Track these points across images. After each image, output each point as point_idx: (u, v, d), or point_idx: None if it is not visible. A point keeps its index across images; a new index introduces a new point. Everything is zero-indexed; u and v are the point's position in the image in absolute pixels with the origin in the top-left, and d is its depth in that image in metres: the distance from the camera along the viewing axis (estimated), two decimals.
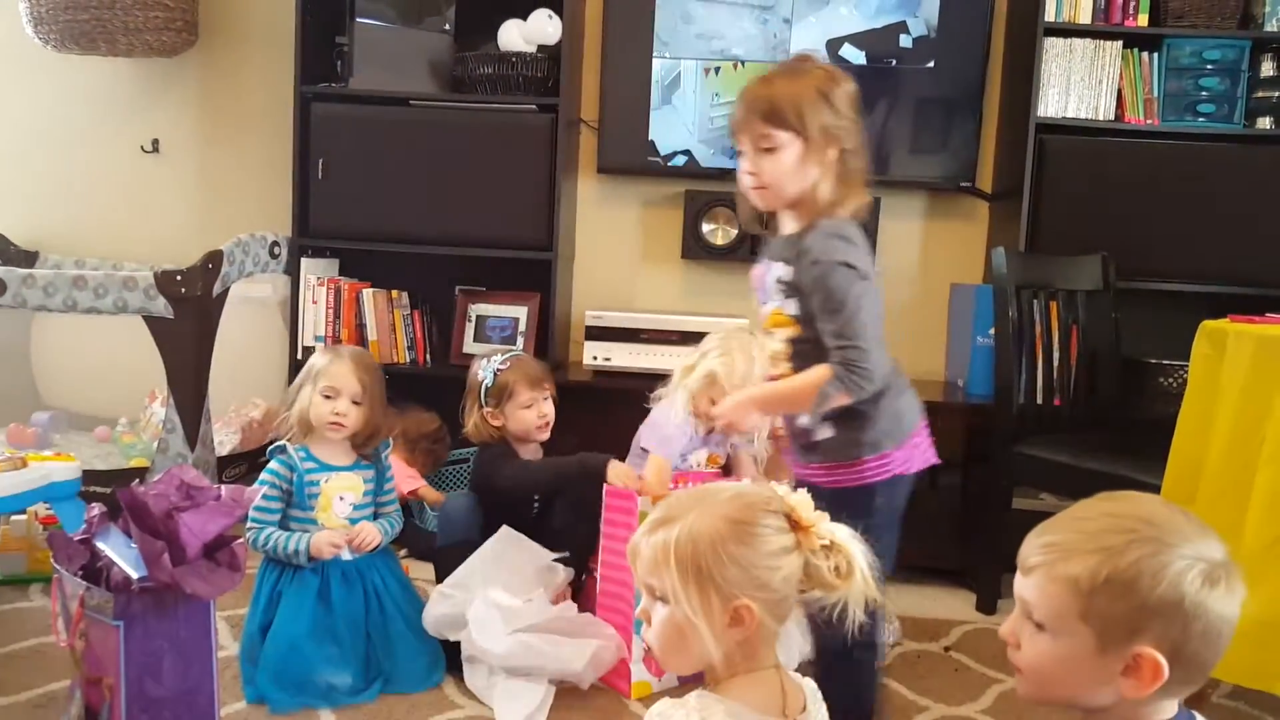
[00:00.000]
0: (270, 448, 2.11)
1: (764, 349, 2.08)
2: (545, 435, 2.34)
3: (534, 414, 2.30)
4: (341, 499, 2.08)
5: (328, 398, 2.07)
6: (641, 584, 1.10)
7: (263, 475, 2.07)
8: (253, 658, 1.96)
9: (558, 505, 2.33)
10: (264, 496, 2.05)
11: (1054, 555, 0.96)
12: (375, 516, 2.14)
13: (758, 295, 1.69)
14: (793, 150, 1.55)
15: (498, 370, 2.31)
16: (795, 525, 1.07)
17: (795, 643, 1.90)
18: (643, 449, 2.32)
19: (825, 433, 1.59)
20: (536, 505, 2.35)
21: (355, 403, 2.08)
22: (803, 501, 1.08)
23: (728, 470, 2.39)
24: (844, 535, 1.08)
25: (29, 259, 3.32)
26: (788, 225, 1.63)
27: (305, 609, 1.99)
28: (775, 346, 1.65)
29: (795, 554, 1.06)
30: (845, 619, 1.07)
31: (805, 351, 1.59)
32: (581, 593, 2.24)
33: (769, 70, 1.64)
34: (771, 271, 1.62)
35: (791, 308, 1.59)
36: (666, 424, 2.28)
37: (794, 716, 1.08)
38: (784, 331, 1.62)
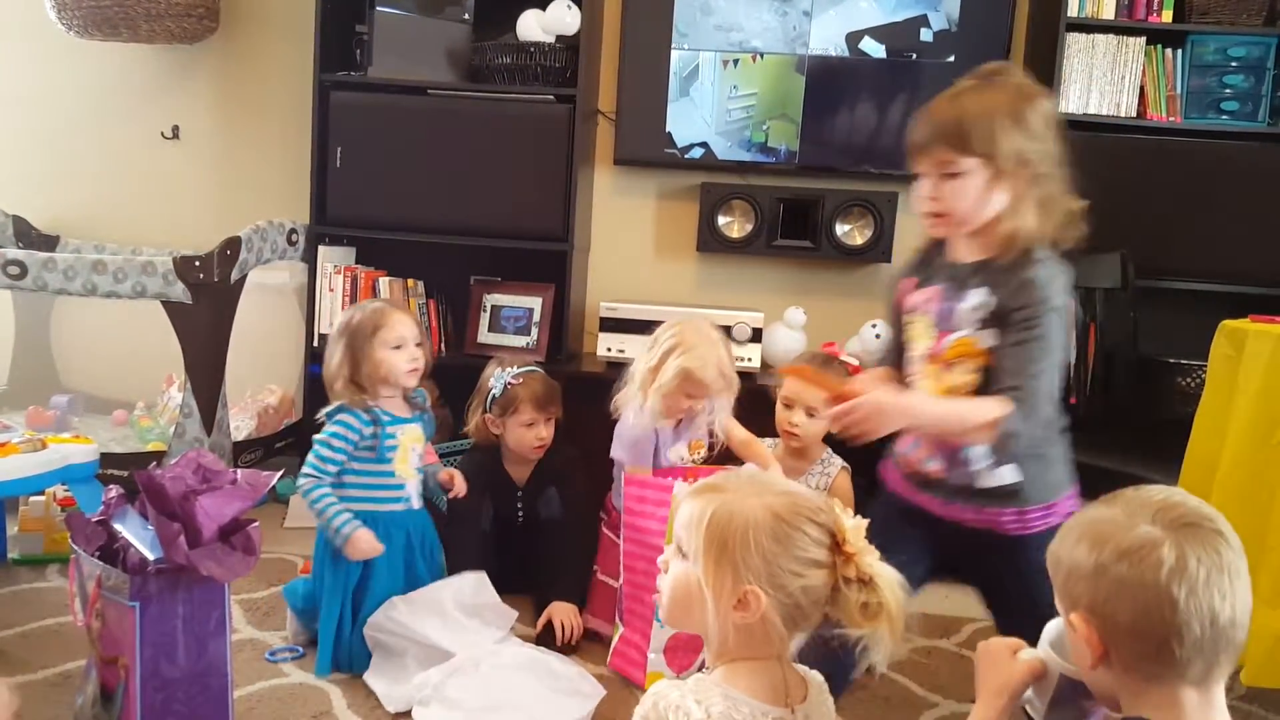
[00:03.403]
0: (336, 408, 2.07)
1: (725, 339, 2.11)
2: (538, 456, 2.37)
3: (532, 435, 2.32)
4: (414, 449, 2.12)
5: (397, 348, 2.08)
6: (674, 534, 1.12)
7: (333, 428, 2.04)
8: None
9: (541, 502, 2.38)
10: (332, 448, 2.03)
11: None
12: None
13: (922, 317, 1.57)
14: (979, 177, 1.44)
15: (509, 383, 2.34)
16: (837, 547, 1.06)
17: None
18: (613, 459, 2.26)
19: (1010, 477, 1.50)
20: (520, 513, 2.40)
21: (418, 345, 2.12)
22: (855, 528, 1.07)
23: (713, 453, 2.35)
24: (888, 579, 1.06)
25: (49, 243, 3.35)
26: (968, 250, 1.52)
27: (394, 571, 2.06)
28: (957, 379, 1.51)
29: (825, 572, 1.06)
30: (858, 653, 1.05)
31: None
32: (590, 596, 2.23)
33: (958, 84, 1.50)
34: (966, 297, 1.49)
35: (989, 339, 1.47)
36: (629, 431, 2.19)
37: (794, 706, 1.08)
38: (972, 363, 1.49)
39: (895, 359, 1.67)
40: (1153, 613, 0.92)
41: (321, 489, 2.02)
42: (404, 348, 2.09)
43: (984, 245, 1.51)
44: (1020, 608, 1.38)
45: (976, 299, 1.48)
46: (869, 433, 1.45)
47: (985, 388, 1.48)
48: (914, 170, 1.51)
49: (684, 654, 2.01)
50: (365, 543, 1.99)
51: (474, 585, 2.05)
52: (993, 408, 1.42)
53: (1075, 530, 1.01)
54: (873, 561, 1.07)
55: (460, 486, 2.19)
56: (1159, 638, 0.93)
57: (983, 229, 1.50)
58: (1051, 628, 1.11)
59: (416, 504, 2.14)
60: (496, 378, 2.37)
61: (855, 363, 2.36)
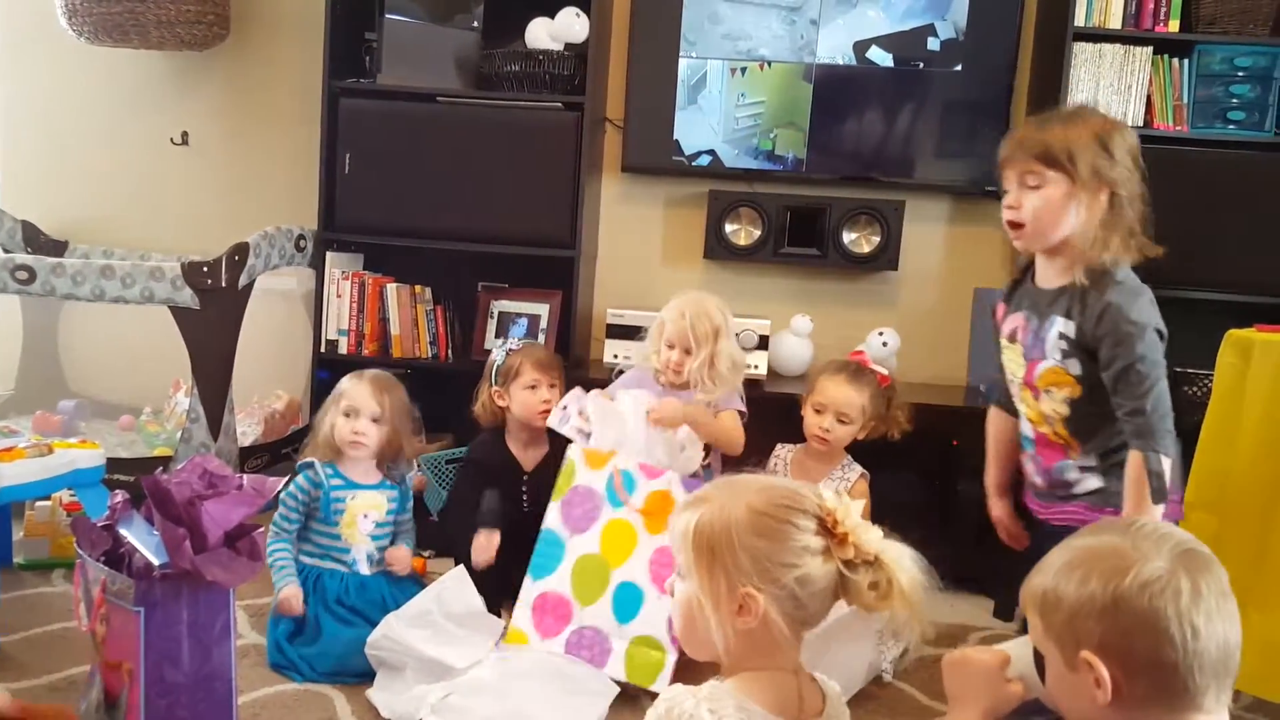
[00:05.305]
0: (298, 464, 2.19)
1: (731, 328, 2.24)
2: (544, 423, 2.36)
3: (536, 397, 2.34)
4: (365, 516, 2.18)
5: (347, 416, 2.17)
6: (675, 557, 1.12)
7: (289, 485, 2.14)
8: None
9: (547, 490, 2.37)
10: (287, 505, 2.14)
11: None
12: (395, 537, 2.24)
13: (1013, 345, 1.67)
14: (1059, 190, 1.53)
15: (509, 350, 2.41)
16: (828, 531, 1.04)
17: (858, 659, 1.89)
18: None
19: (1095, 483, 1.61)
20: (525, 500, 2.39)
21: (374, 420, 2.18)
22: (842, 508, 1.05)
23: None
24: (893, 554, 1.04)
25: (58, 248, 3.36)
26: (1051, 274, 1.60)
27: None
28: (1049, 407, 1.62)
29: (821, 559, 1.04)
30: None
31: (1089, 417, 1.56)
32: None
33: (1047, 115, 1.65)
34: (1049, 325, 1.58)
35: (1075, 367, 1.56)
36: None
37: (810, 718, 1.07)
38: (1063, 392, 1.59)
39: (1007, 395, 1.77)
40: (1176, 643, 0.90)
41: (278, 542, 2.12)
42: (354, 417, 2.17)
43: (1064, 268, 1.58)
44: None
45: (1058, 328, 1.56)
46: None
47: (1076, 419, 1.58)
48: (1001, 187, 1.61)
49: (554, 620, 2.01)
50: (290, 600, 2.06)
51: (456, 590, 2.05)
52: (1144, 489, 1.49)
53: (1077, 566, 0.96)
54: (874, 539, 1.05)
55: (401, 564, 2.21)
56: (1182, 668, 0.90)
57: (1061, 250, 1.57)
58: (1019, 657, 1.09)
59: (365, 569, 2.18)
60: (498, 349, 2.45)
61: (884, 371, 2.35)
